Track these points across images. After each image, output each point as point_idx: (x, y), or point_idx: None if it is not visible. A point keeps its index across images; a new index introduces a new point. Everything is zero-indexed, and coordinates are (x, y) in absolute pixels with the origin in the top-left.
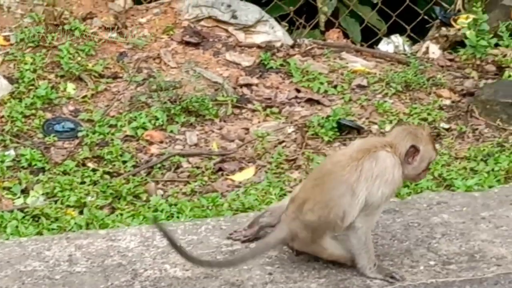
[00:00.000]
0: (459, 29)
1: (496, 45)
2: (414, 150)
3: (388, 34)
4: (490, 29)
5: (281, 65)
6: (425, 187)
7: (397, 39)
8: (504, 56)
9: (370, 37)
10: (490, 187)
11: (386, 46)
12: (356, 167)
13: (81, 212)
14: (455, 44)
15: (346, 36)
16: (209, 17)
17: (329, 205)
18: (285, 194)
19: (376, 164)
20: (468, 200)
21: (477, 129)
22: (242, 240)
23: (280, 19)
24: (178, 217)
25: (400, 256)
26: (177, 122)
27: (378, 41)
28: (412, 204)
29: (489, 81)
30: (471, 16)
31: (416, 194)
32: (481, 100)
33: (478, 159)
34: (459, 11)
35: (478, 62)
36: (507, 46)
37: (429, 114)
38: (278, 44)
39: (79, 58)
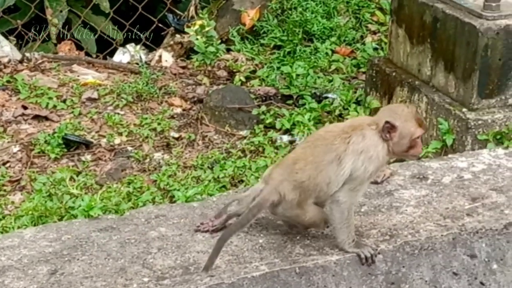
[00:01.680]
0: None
1: (228, 50)
2: (390, 126)
3: (127, 43)
4: (223, 34)
5: (8, 81)
6: (147, 201)
7: (132, 48)
8: (236, 61)
9: (108, 48)
10: (210, 195)
11: (122, 56)
12: (345, 139)
13: None
14: (190, 51)
15: (81, 47)
16: None
17: (318, 167)
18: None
19: (362, 140)
20: (187, 211)
21: (206, 136)
22: (211, 230)
23: (8, 33)
24: None
25: (114, 276)
26: None
27: (115, 51)
28: (130, 219)
29: (220, 86)
30: (198, 23)
31: (135, 209)
32: (210, 106)
33: (205, 167)
34: (192, 17)
35: (209, 68)
36: (238, 51)
37: (159, 123)
38: (5, 60)
39: None
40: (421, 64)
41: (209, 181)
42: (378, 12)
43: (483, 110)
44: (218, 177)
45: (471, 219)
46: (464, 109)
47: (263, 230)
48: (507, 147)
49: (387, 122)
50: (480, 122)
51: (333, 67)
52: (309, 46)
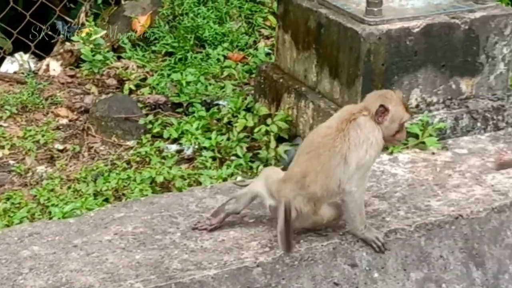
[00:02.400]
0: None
1: (119, 57)
2: (383, 109)
3: (16, 51)
4: (114, 41)
5: None
6: (24, 217)
7: (20, 57)
8: (126, 68)
9: None
10: (89, 210)
11: (10, 65)
12: (344, 137)
13: None
14: (80, 60)
15: None
16: None
17: (329, 175)
18: None
19: (360, 131)
20: (63, 227)
21: (92, 147)
22: (209, 229)
23: None
24: None
25: None
26: None
27: (3, 60)
28: (2, 238)
29: (110, 95)
30: (85, 31)
31: (9, 227)
32: (96, 117)
33: (88, 180)
34: (83, 24)
35: (98, 77)
36: (129, 58)
37: (43, 135)
38: None
39: None
40: (307, 70)
41: (89, 195)
42: (270, 17)
43: None
44: (101, 190)
45: None
46: None
47: (141, 246)
48: (391, 153)
49: (381, 105)
50: None
51: (225, 73)
52: (201, 52)
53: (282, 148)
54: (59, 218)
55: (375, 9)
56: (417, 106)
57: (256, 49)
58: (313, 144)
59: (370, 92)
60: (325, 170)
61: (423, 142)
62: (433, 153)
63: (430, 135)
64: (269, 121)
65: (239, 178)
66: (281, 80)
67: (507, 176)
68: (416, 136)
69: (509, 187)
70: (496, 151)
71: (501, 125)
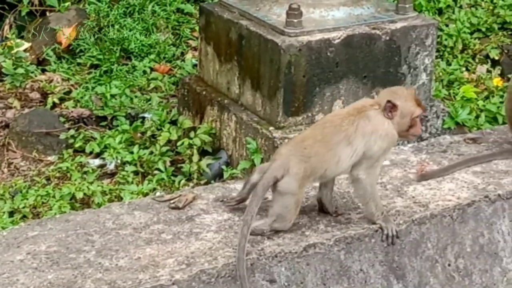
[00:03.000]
0: None
1: (44, 70)
2: (391, 105)
3: None
4: (39, 54)
5: None
6: None
7: None
8: (50, 81)
9: None
10: (4, 228)
11: None
12: (353, 121)
13: None
14: (2, 74)
15: None
16: None
17: (327, 146)
18: None
19: (369, 122)
20: None
21: (12, 163)
22: (236, 200)
23: None
24: None
25: None
26: None
27: None
28: None
29: (32, 109)
30: (7, 44)
31: None
32: (17, 131)
33: (6, 197)
34: (6, 37)
35: (21, 90)
36: (54, 71)
37: None
38: None
39: None
40: (229, 82)
41: (4, 213)
42: (198, 28)
43: (290, 128)
44: (18, 207)
45: (271, 243)
46: (271, 128)
47: (54, 265)
48: None
49: (388, 101)
50: (286, 140)
51: (152, 85)
52: (127, 64)
53: (204, 161)
54: None
55: (295, 21)
56: None
57: (184, 60)
58: (322, 120)
59: (291, 104)
60: (326, 140)
61: None
62: None
63: None
64: (192, 134)
65: (158, 193)
66: (204, 93)
67: (428, 188)
68: None
69: (430, 198)
70: (418, 162)
71: (424, 135)
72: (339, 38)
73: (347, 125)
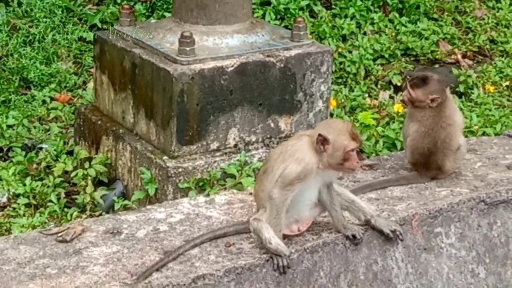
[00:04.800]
0: None
1: None
2: (322, 139)
3: None
4: None
5: None
6: None
7: None
8: None
9: None
10: None
11: None
12: (282, 147)
13: None
14: None
15: None
16: None
17: (262, 180)
18: None
19: (292, 146)
20: None
21: None
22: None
23: None
24: None
25: None
26: None
27: None
28: None
29: None
30: None
31: None
32: None
33: None
34: None
35: None
36: None
37: None
38: None
39: None
40: (124, 111)
41: None
42: (93, 56)
43: (184, 157)
44: None
45: (159, 275)
46: (165, 157)
47: None
48: (208, 195)
49: (319, 135)
50: (180, 169)
51: (52, 115)
52: (26, 94)
53: (98, 193)
54: None
55: (188, 49)
56: (235, 145)
57: (85, 89)
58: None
59: (185, 133)
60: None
61: (240, 183)
62: (251, 194)
63: (248, 175)
64: (87, 164)
65: (50, 225)
66: (99, 122)
67: (322, 216)
68: (233, 176)
69: (323, 226)
70: None
71: None
72: (232, 66)
73: (274, 153)
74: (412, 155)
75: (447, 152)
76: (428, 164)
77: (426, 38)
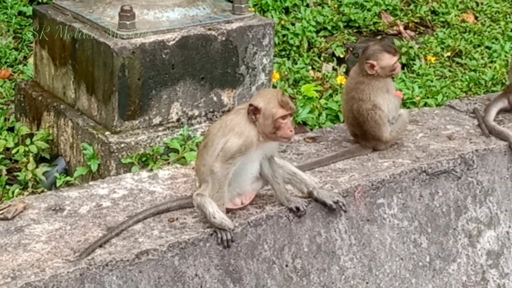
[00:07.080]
0: None
1: None
2: (253, 108)
3: None
4: None
5: None
6: None
7: None
8: None
9: None
10: None
11: None
12: (221, 122)
13: None
14: None
15: None
16: None
17: (202, 155)
18: None
19: (230, 121)
20: None
21: None
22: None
23: None
24: None
25: None
26: None
27: None
28: None
29: None
30: None
31: None
32: None
33: None
34: None
35: None
36: None
37: None
38: None
39: None
40: (65, 87)
41: None
42: (32, 31)
43: (127, 133)
44: None
45: (102, 251)
46: (107, 133)
47: None
48: (151, 170)
49: (250, 104)
50: (123, 145)
51: None
52: None
53: (40, 169)
54: None
55: (128, 23)
56: (178, 120)
57: (26, 65)
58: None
59: (127, 108)
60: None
61: (184, 157)
62: (193, 168)
63: (191, 150)
64: (28, 141)
65: None
66: (40, 98)
67: (265, 189)
68: (176, 151)
69: (267, 199)
70: None
71: None
72: (173, 39)
73: (214, 128)
74: (347, 125)
75: (375, 124)
76: (364, 135)
77: (369, 10)
